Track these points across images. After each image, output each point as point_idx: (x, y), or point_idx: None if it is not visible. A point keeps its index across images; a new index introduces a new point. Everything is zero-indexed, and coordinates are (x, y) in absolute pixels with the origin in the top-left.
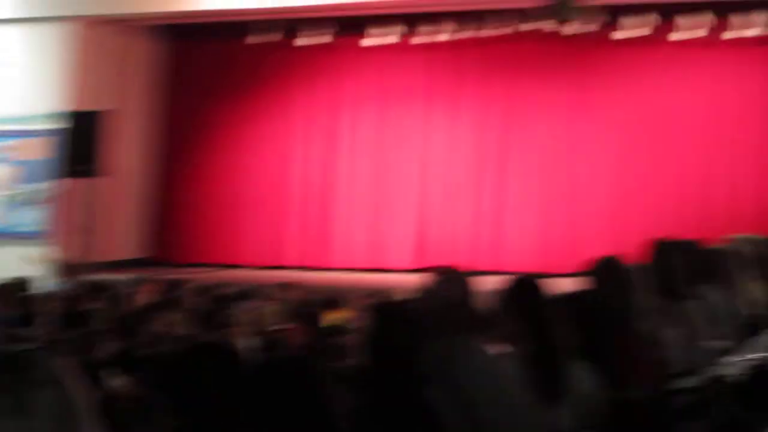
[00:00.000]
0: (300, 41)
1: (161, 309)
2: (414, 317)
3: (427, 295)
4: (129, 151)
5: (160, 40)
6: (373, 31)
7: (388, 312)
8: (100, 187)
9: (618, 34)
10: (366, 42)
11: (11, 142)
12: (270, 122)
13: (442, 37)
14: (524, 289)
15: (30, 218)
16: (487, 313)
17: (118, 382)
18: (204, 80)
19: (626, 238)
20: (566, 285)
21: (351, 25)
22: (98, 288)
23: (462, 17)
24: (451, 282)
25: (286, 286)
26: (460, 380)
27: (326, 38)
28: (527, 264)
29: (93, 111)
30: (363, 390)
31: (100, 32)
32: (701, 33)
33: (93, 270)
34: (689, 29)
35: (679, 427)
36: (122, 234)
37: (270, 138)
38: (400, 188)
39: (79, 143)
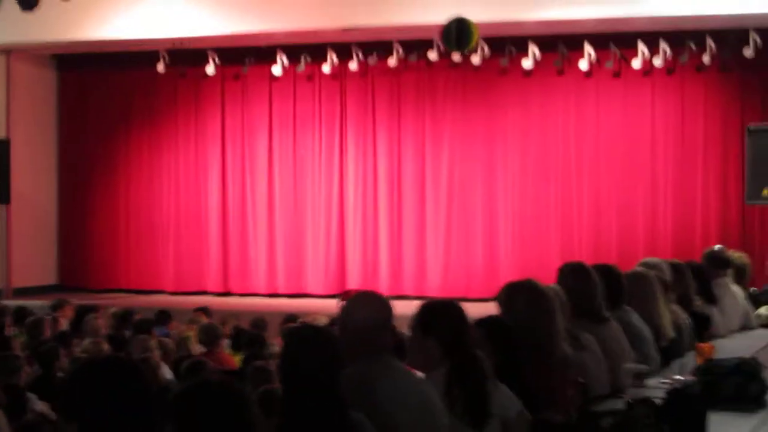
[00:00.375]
0: (210, 69)
1: (80, 334)
2: (331, 341)
3: (345, 318)
4: (39, 179)
5: (70, 70)
6: (284, 59)
7: (305, 336)
8: (7, 215)
9: (527, 63)
10: (276, 70)
11: None
12: (185, 149)
13: (352, 66)
14: (445, 312)
15: None
16: (408, 336)
17: (39, 407)
18: (118, 108)
19: (544, 262)
20: (485, 309)
21: (262, 53)
22: (18, 313)
23: (371, 47)
24: (370, 305)
25: (205, 310)
26: (381, 403)
27: (237, 67)
28: (446, 289)
29: None
30: (284, 414)
31: (1, 60)
32: (609, 63)
33: (6, 296)
34: (597, 59)
35: None
36: (33, 260)
37: (185, 165)
38: (317, 214)
39: None
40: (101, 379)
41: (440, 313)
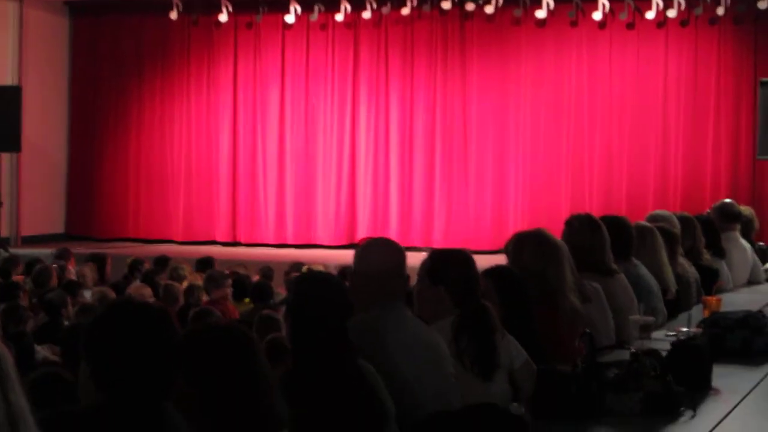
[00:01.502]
0: (223, 17)
1: (88, 282)
2: (340, 287)
3: (358, 263)
4: (49, 127)
5: (82, 16)
6: (297, 8)
7: (314, 282)
8: (17, 162)
9: (541, 14)
10: (289, 19)
11: None
12: (196, 98)
13: (366, 15)
14: (455, 260)
15: None
16: (415, 285)
17: (46, 353)
18: (130, 56)
19: (554, 213)
20: (494, 261)
21: (275, 1)
22: (26, 262)
23: None
24: (383, 251)
25: (210, 260)
26: (389, 352)
27: (250, 15)
28: (455, 240)
29: (9, 86)
30: (292, 361)
31: (14, 7)
32: (623, 15)
33: (15, 244)
34: (611, 10)
35: (610, 399)
36: (42, 209)
37: (196, 114)
38: (328, 164)
39: None
40: (124, 324)
41: (450, 262)
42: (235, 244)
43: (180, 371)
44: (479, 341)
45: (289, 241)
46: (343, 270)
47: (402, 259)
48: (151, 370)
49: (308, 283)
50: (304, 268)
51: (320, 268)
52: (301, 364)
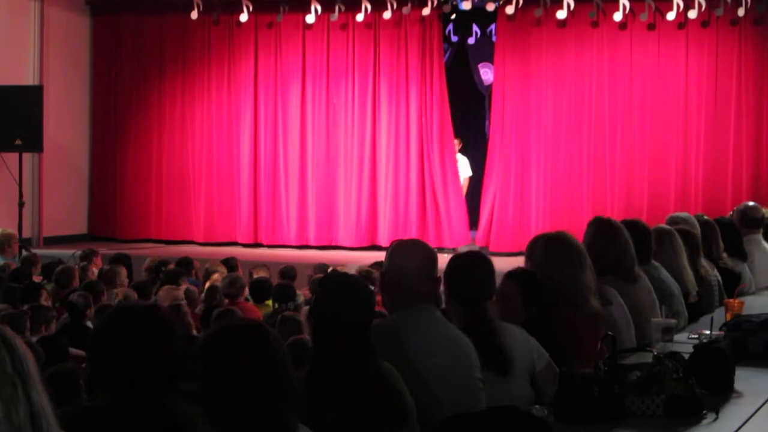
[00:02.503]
0: (244, 17)
1: (111, 283)
2: (364, 289)
3: (388, 263)
4: (70, 127)
5: (104, 15)
6: (318, 7)
7: (338, 283)
8: (39, 163)
9: (562, 14)
10: (310, 19)
11: None
12: (218, 98)
13: (386, 15)
14: (477, 263)
15: None
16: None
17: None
18: (151, 56)
19: (576, 215)
20: (515, 263)
21: (296, 1)
22: (47, 263)
23: None
24: (414, 252)
25: (233, 261)
26: (410, 356)
27: (271, 15)
28: (477, 242)
29: (31, 86)
30: (313, 361)
31: (36, 6)
32: (644, 16)
33: (37, 245)
34: (632, 11)
35: (632, 402)
36: (64, 210)
37: (217, 115)
38: (350, 165)
39: (16, 117)
40: (128, 327)
41: (474, 264)
42: (257, 245)
43: (186, 369)
44: (483, 341)
45: (311, 243)
46: (362, 272)
47: (433, 261)
48: (149, 372)
49: (331, 284)
50: (330, 270)
51: (353, 270)
52: (321, 365)
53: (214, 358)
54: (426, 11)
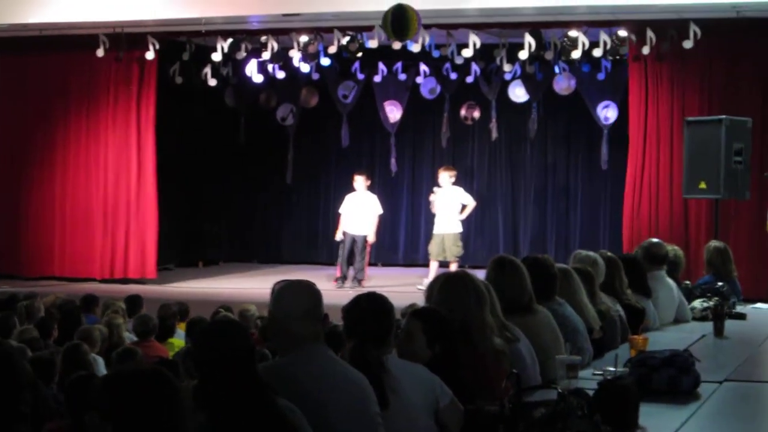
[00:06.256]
0: (150, 55)
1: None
2: (236, 331)
3: (272, 307)
4: None
5: (7, 54)
6: (224, 46)
7: (208, 331)
8: None
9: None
10: (216, 57)
11: None
12: (118, 137)
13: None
14: (370, 304)
15: None
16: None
17: None
18: (56, 93)
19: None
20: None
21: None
22: None
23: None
24: (297, 294)
25: (137, 298)
26: (306, 388)
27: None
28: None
29: None
30: (209, 407)
31: None
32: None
33: None
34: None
35: None
36: None
37: (115, 152)
38: None
39: None
40: None
41: (366, 305)
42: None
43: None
44: (377, 376)
45: None
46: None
47: (317, 301)
48: None
49: (201, 333)
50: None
51: (252, 308)
52: (217, 409)
53: (110, 406)
54: (332, 50)
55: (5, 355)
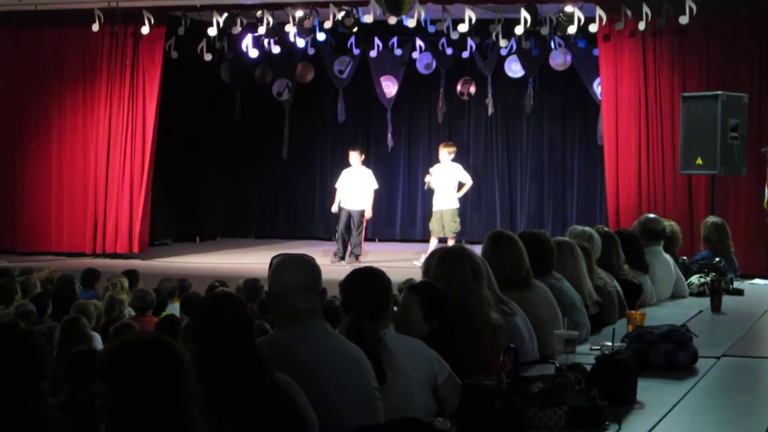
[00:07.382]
0: (145, 29)
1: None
2: (233, 305)
3: (270, 281)
4: None
5: (3, 28)
6: (220, 20)
7: (202, 305)
8: None
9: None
10: (212, 32)
11: None
12: (117, 110)
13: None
14: (366, 279)
15: None
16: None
17: None
18: (52, 67)
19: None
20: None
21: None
22: None
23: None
24: (295, 268)
25: (133, 273)
26: (303, 362)
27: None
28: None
29: None
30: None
31: None
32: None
33: None
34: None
35: (534, 414)
36: None
37: (114, 126)
38: None
39: None
40: None
41: (363, 280)
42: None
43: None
44: (374, 352)
45: None
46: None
47: (315, 275)
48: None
49: (198, 306)
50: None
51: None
52: (214, 383)
53: (115, 374)
54: (328, 24)
55: (27, 332)
